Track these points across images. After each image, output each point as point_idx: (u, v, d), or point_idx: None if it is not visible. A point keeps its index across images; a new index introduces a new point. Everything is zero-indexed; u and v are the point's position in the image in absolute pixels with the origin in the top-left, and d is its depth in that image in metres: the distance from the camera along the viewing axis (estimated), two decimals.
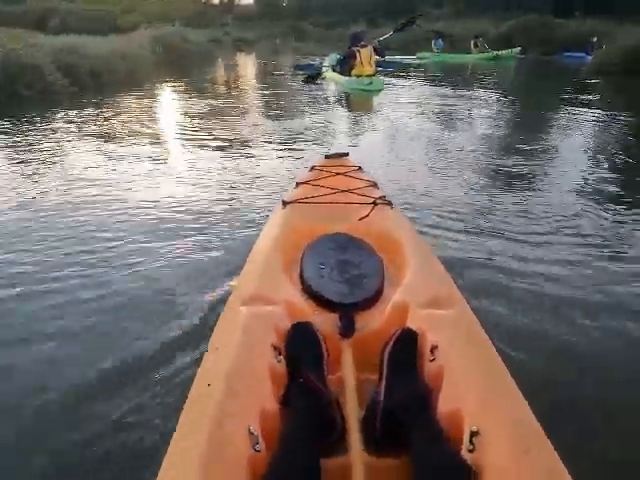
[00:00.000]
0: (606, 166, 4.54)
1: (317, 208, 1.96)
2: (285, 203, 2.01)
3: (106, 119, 6.75)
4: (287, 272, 1.55)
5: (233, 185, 3.77)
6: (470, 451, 0.87)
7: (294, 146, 5.07)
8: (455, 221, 3.05)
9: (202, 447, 0.83)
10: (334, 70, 9.94)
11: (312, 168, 2.36)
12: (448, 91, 9.71)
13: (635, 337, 1.94)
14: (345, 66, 9.31)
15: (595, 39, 14.95)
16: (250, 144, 5.17)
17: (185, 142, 5.32)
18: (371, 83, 8.75)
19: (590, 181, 4.01)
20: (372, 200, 1.96)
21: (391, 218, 1.91)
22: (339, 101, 8.52)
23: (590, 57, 13.79)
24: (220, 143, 5.19)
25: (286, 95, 9.14)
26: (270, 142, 5.25)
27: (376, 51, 9.48)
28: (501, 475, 0.81)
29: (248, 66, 16.88)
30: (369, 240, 1.71)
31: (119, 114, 7.23)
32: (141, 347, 1.81)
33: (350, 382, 1.15)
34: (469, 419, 0.92)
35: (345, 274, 1.52)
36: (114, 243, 2.74)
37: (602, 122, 6.66)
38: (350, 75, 9.11)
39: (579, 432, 1.44)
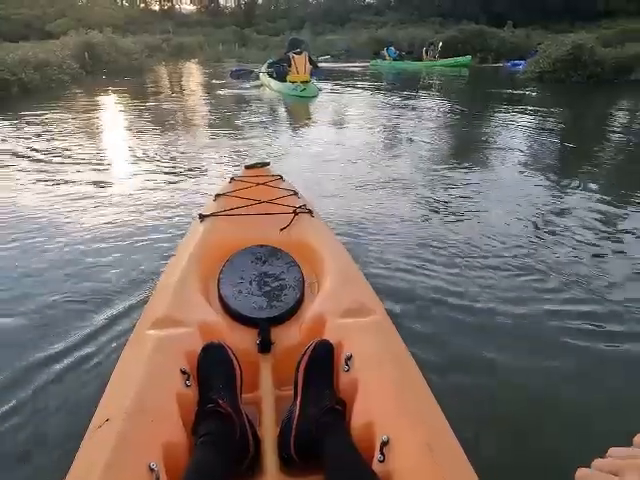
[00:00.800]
0: (535, 168, 4.62)
1: (236, 220, 1.88)
2: (202, 217, 1.91)
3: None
4: (204, 290, 1.48)
5: (148, 201, 3.51)
6: (381, 461, 0.86)
7: (218, 157, 4.89)
8: (377, 229, 3.02)
9: None
10: (270, 75, 9.88)
11: (232, 179, 2.27)
12: (388, 98, 9.69)
13: (549, 346, 1.96)
14: (280, 72, 9.33)
15: (537, 50, 15.39)
16: (169, 157, 4.88)
17: (100, 158, 4.95)
18: (305, 89, 8.73)
19: (517, 184, 4.06)
20: (292, 210, 1.91)
21: (312, 227, 1.87)
22: (273, 108, 8.37)
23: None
24: (138, 156, 4.92)
25: (220, 104, 8.87)
26: (193, 155, 5.00)
27: (311, 60, 9.48)
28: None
29: (185, 74, 16.15)
30: (290, 250, 1.66)
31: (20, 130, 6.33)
32: (37, 379, 1.68)
33: (268, 400, 1.12)
34: (381, 429, 0.91)
35: (265, 287, 1.48)
36: (16, 261, 2.57)
37: (532, 127, 6.72)
38: (285, 81, 9.12)
39: (488, 436, 1.47)
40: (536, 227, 3.11)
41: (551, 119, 7.48)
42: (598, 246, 2.85)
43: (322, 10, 35.91)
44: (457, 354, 1.87)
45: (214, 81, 12.70)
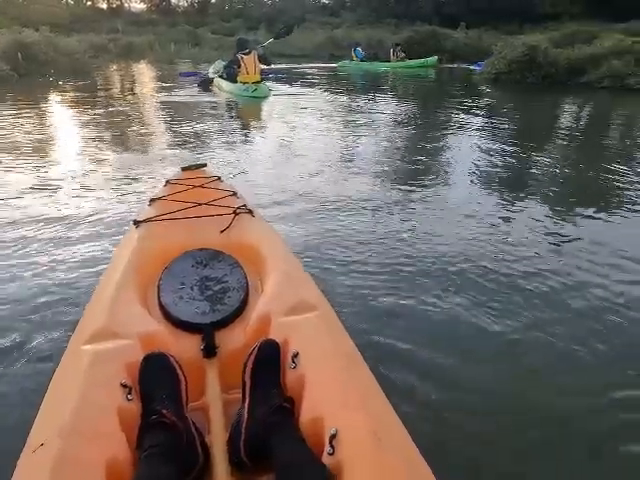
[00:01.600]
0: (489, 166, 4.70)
1: (174, 225, 1.80)
2: (137, 223, 1.82)
3: None
4: (142, 298, 1.42)
5: (78, 211, 3.29)
6: (330, 454, 0.86)
7: (159, 163, 4.61)
8: (321, 227, 2.99)
9: None
10: (221, 77, 9.72)
11: (167, 183, 2.17)
12: (349, 100, 9.43)
13: (507, 339, 2.01)
14: (231, 73, 9.16)
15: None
16: (102, 164, 4.58)
17: (33, 162, 4.59)
18: (255, 90, 8.59)
19: (471, 180, 4.16)
20: (232, 210, 1.87)
21: (253, 227, 1.83)
22: (223, 110, 8.15)
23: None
24: (72, 162, 4.62)
25: (166, 107, 8.39)
26: (131, 162, 4.68)
27: (261, 59, 9.27)
28: (360, 472, 0.82)
29: (132, 76, 15.14)
30: (232, 252, 1.62)
31: None
32: None
33: (216, 406, 1.10)
34: (329, 422, 0.92)
35: (207, 291, 1.43)
36: None
37: (486, 129, 6.67)
38: (236, 82, 8.97)
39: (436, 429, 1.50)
40: (480, 231, 3.09)
41: (505, 121, 7.37)
42: (539, 246, 2.87)
43: (277, 10, 35.25)
44: (402, 347, 1.89)
45: (162, 83, 11.96)
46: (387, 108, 8.51)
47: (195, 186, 2.09)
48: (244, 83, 8.73)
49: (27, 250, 2.65)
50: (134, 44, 21.99)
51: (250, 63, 8.86)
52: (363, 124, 6.87)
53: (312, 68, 16.47)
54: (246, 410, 1.03)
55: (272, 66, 10.11)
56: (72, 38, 16.81)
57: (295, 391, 1.06)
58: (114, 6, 36.14)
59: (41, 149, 5.22)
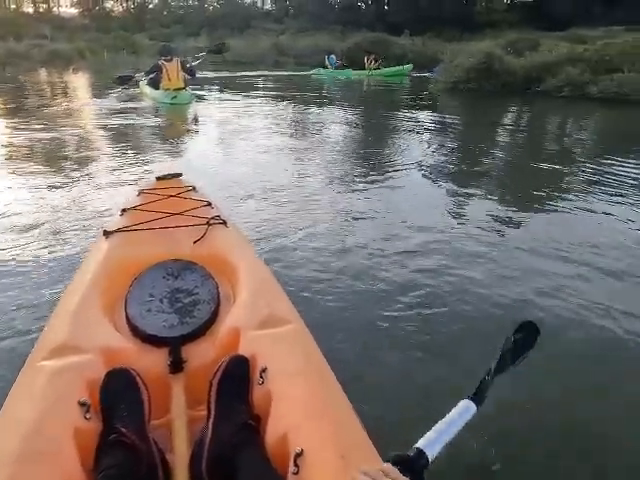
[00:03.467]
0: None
1: (146, 235, 1.70)
2: (108, 233, 1.70)
3: None
4: (109, 312, 1.34)
5: (41, 221, 3.02)
6: (295, 473, 0.82)
7: (109, 171, 4.33)
8: (293, 235, 2.91)
9: None
10: (148, 84, 9.19)
11: (140, 192, 2.04)
12: (302, 107, 9.08)
13: (459, 349, 1.94)
14: (155, 79, 8.80)
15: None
16: (49, 174, 4.25)
17: None
18: (176, 97, 8.32)
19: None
20: (206, 221, 1.78)
21: (226, 238, 1.74)
22: (150, 116, 7.68)
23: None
24: (22, 177, 4.12)
25: (91, 114, 7.90)
26: (75, 169, 4.41)
27: (185, 68, 8.87)
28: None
29: (51, 85, 13.16)
30: (204, 263, 1.53)
31: None
32: None
33: (180, 424, 1.03)
34: (294, 441, 0.87)
35: (177, 303, 1.35)
36: None
37: (445, 140, 6.41)
38: (158, 88, 8.67)
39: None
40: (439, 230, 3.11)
41: (464, 130, 7.17)
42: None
43: (220, 16, 33.49)
44: (374, 360, 1.82)
45: (85, 93, 10.56)
46: (342, 116, 8.17)
47: (169, 196, 1.98)
48: (166, 90, 8.46)
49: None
50: (60, 51, 19.71)
51: (172, 70, 8.53)
52: (315, 133, 6.68)
53: (286, 74, 15.62)
54: (210, 428, 0.96)
55: (197, 76, 9.67)
56: None
57: (262, 408, 1.00)
58: (41, 10, 32.95)
59: None
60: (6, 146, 5.33)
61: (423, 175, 4.50)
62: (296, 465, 0.81)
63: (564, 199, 3.86)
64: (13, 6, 32.52)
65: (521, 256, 2.77)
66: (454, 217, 3.43)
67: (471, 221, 3.32)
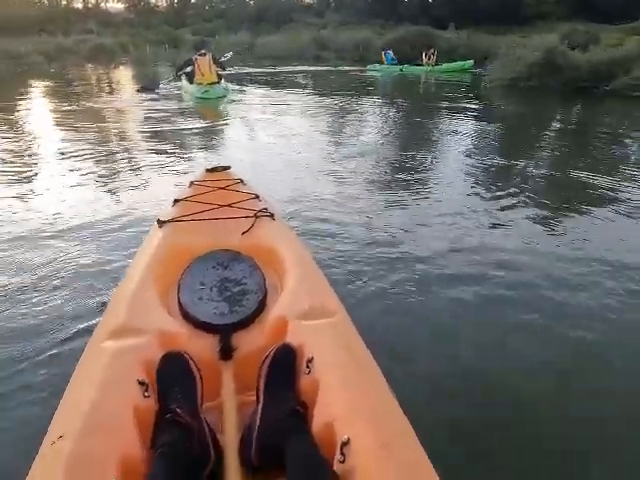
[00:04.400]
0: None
1: (197, 226, 1.73)
2: (161, 222, 1.75)
3: None
4: (163, 297, 1.38)
5: (102, 211, 3.15)
6: (341, 462, 0.83)
7: (156, 164, 4.37)
8: (339, 230, 2.87)
9: None
10: (185, 78, 9.10)
11: (191, 184, 2.07)
12: (352, 103, 8.58)
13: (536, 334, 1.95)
14: (191, 74, 8.77)
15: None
16: (104, 169, 4.28)
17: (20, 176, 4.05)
18: (207, 91, 8.24)
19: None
20: (254, 213, 1.80)
21: (273, 230, 1.76)
22: (188, 111, 7.58)
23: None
24: (80, 172, 4.15)
25: (134, 108, 7.84)
26: (127, 162, 4.50)
27: (217, 63, 8.89)
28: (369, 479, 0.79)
29: (94, 79, 13.05)
30: (252, 254, 1.54)
31: None
32: None
33: (230, 407, 1.06)
34: (341, 429, 0.88)
35: (226, 292, 1.38)
36: None
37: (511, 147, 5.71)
38: (193, 83, 8.64)
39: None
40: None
41: (523, 133, 6.27)
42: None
43: (261, 10, 33.04)
44: (419, 353, 1.81)
45: (128, 88, 10.29)
46: (388, 114, 7.71)
47: (218, 188, 1.98)
48: (199, 84, 8.42)
49: (53, 247, 2.60)
50: (105, 46, 19.72)
51: (204, 65, 8.55)
52: (359, 132, 6.26)
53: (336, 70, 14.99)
54: (259, 412, 0.97)
55: (226, 71, 9.58)
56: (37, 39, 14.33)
57: (308, 396, 1.00)
58: (90, 6, 33.46)
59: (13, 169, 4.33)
60: (56, 141, 5.41)
61: (473, 177, 4.17)
62: (342, 453, 0.82)
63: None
64: (64, 2, 33.13)
65: (575, 269, 2.49)
66: (499, 222, 3.15)
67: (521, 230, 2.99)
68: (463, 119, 7.01)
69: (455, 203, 3.42)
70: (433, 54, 15.42)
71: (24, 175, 4.03)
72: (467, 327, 1.98)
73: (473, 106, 8.36)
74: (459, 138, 5.74)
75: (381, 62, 16.09)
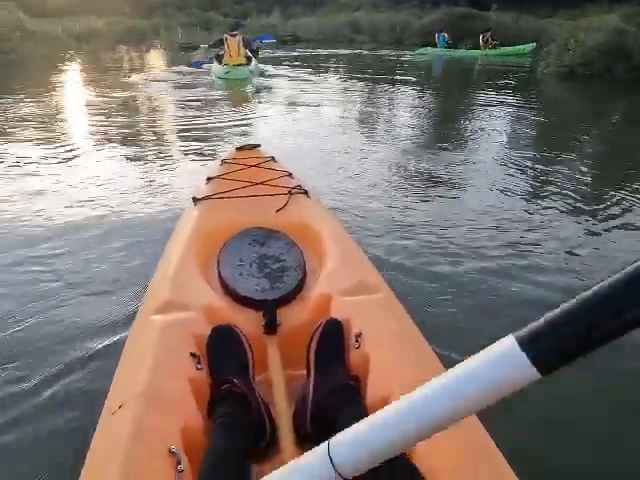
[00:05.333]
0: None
1: (231, 203, 1.72)
2: (196, 200, 1.74)
3: None
4: (203, 273, 1.36)
5: (136, 186, 3.21)
6: None
7: (192, 142, 4.35)
8: (376, 206, 2.86)
9: (117, 476, 0.70)
10: (215, 58, 9.05)
11: (222, 162, 2.05)
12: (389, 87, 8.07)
13: None
14: (220, 55, 8.77)
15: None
16: (137, 148, 4.26)
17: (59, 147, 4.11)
18: (229, 72, 8.15)
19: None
20: (287, 190, 1.78)
21: (308, 207, 1.73)
22: (214, 90, 7.51)
23: None
24: (113, 151, 4.12)
25: (163, 90, 7.64)
26: (157, 142, 4.56)
27: (247, 45, 8.76)
28: (433, 457, 0.75)
29: (125, 61, 12.65)
30: (288, 231, 1.54)
31: None
32: (44, 365, 1.52)
33: (278, 381, 1.05)
34: None
35: (265, 269, 1.38)
36: (16, 251, 2.29)
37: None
38: (221, 63, 8.57)
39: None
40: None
41: (581, 131, 5.26)
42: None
43: None
44: (464, 329, 1.76)
45: (158, 70, 9.78)
46: (426, 99, 7.27)
47: (250, 165, 1.95)
48: (226, 65, 8.34)
49: (89, 227, 2.58)
50: (137, 28, 19.28)
51: (233, 46, 8.43)
52: (392, 116, 6.06)
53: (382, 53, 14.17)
54: (312, 385, 0.97)
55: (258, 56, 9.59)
56: (66, 21, 13.95)
57: (359, 371, 0.99)
58: None
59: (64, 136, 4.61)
60: (87, 122, 5.42)
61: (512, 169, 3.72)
62: None
63: None
64: None
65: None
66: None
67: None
68: (513, 108, 6.24)
69: (494, 196, 3.15)
70: (491, 37, 14.16)
71: (61, 154, 3.99)
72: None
73: (526, 94, 7.53)
74: (506, 129, 5.16)
75: (433, 45, 14.83)
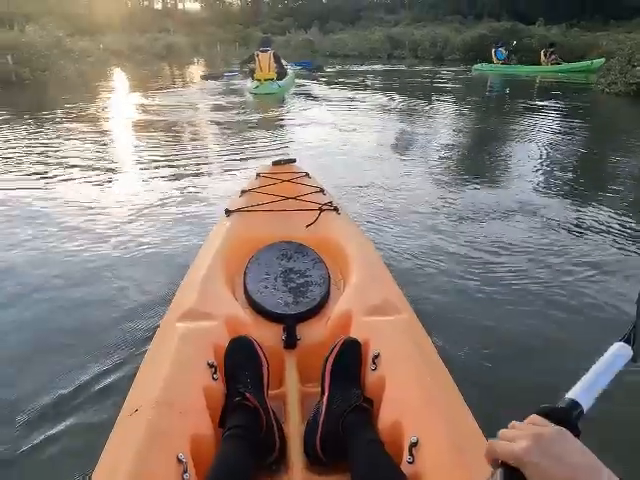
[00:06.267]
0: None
1: (262, 216, 1.75)
2: (229, 212, 1.77)
3: None
4: (229, 284, 1.38)
5: (172, 199, 3.22)
6: (410, 462, 0.79)
7: (231, 157, 4.32)
8: (406, 227, 2.75)
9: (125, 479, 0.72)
10: (249, 73, 9.05)
11: (258, 175, 2.09)
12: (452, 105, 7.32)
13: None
14: (252, 70, 8.69)
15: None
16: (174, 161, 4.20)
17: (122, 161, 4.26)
18: (258, 87, 8.18)
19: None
20: (319, 206, 1.78)
21: (338, 224, 1.72)
22: (247, 106, 7.43)
23: None
24: (153, 163, 4.14)
25: (199, 104, 7.61)
26: (193, 155, 4.41)
27: (277, 60, 8.58)
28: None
29: (165, 77, 12.51)
30: (316, 247, 1.54)
31: None
32: (72, 367, 1.57)
33: (293, 396, 1.04)
34: (409, 429, 0.84)
35: (290, 283, 1.37)
36: (56, 258, 2.35)
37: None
38: (253, 79, 8.59)
39: None
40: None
41: None
42: None
43: (331, 8, 31.75)
44: (486, 356, 1.65)
45: (195, 85, 9.55)
46: (467, 118, 6.66)
47: (284, 180, 1.97)
48: (257, 80, 8.33)
49: (126, 234, 2.63)
50: (177, 44, 19.36)
51: (264, 61, 8.30)
52: (431, 136, 5.52)
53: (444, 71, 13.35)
54: (324, 404, 0.93)
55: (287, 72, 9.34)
56: (107, 38, 14.02)
57: (374, 392, 0.96)
58: (169, 6, 33.86)
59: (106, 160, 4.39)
60: (125, 137, 5.50)
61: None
62: (411, 454, 0.78)
63: None
64: (146, 3, 33.79)
65: None
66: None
67: None
68: (570, 135, 5.41)
69: (532, 217, 2.95)
70: (554, 53, 12.99)
71: (100, 165, 4.05)
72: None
73: (588, 117, 6.62)
74: (564, 160, 4.40)
75: (491, 61, 13.74)
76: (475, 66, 13.57)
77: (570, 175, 3.89)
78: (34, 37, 9.55)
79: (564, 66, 12.56)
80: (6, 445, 1.27)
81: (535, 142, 4.97)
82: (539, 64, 13.08)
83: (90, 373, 1.51)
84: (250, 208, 1.75)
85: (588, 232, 2.71)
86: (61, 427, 1.31)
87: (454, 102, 7.95)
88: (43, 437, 1.28)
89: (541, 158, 4.31)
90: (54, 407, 1.39)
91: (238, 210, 1.74)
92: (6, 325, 1.81)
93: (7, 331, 1.78)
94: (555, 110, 7.11)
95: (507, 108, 7.77)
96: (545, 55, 13.04)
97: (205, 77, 10.37)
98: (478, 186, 3.54)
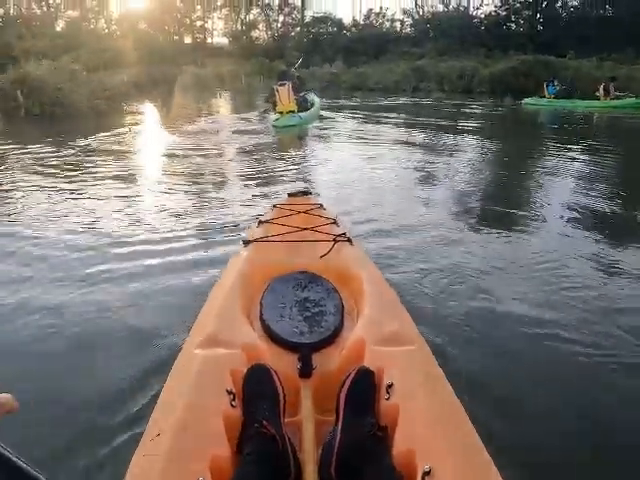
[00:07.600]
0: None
1: (279, 246, 1.83)
2: (246, 242, 1.85)
3: None
4: (246, 313, 1.42)
5: (192, 229, 3.30)
6: None
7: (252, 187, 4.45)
8: (419, 258, 2.76)
9: None
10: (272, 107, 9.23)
11: (274, 207, 2.19)
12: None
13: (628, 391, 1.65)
14: (274, 104, 8.79)
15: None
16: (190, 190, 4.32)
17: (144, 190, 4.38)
18: (277, 119, 8.23)
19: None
20: (332, 238, 1.84)
21: (351, 255, 1.78)
22: (269, 138, 7.38)
23: None
24: (173, 200, 4.06)
25: (223, 137, 7.55)
26: (221, 187, 4.54)
27: (295, 90, 8.65)
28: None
29: (189, 108, 12.20)
30: (330, 277, 1.58)
31: None
32: (92, 393, 1.61)
33: (308, 425, 1.05)
34: (422, 458, 0.86)
35: (305, 312, 1.41)
36: (72, 285, 2.39)
37: None
38: (275, 112, 8.69)
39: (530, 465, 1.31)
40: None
41: None
42: None
43: (355, 40, 31.65)
44: (498, 387, 1.66)
45: (220, 117, 9.54)
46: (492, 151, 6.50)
47: (299, 212, 2.08)
48: (279, 112, 8.41)
49: (145, 264, 2.66)
50: (203, 77, 19.25)
51: (284, 94, 8.40)
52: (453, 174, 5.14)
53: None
54: (339, 432, 0.95)
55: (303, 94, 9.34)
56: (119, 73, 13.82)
57: (388, 422, 0.97)
58: (198, 40, 34.44)
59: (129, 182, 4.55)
60: (148, 165, 5.58)
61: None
62: None
63: None
64: (176, 37, 34.49)
65: None
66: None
67: None
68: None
69: (550, 247, 2.84)
70: (613, 87, 11.96)
71: (120, 192, 4.13)
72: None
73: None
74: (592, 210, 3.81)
75: (543, 95, 12.92)
76: (526, 100, 12.79)
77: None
78: (46, 71, 9.19)
79: (625, 101, 11.44)
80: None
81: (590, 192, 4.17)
82: (596, 98, 11.98)
83: (113, 396, 1.53)
84: (267, 238, 1.82)
85: None
86: (85, 452, 1.31)
87: (489, 139, 7.39)
88: (70, 463, 1.27)
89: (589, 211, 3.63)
90: (79, 432, 1.39)
91: (255, 240, 1.81)
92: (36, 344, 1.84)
93: (44, 338, 1.87)
94: (615, 152, 6.15)
95: (558, 149, 6.77)
96: (605, 89, 11.92)
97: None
98: (506, 237, 3.16)
